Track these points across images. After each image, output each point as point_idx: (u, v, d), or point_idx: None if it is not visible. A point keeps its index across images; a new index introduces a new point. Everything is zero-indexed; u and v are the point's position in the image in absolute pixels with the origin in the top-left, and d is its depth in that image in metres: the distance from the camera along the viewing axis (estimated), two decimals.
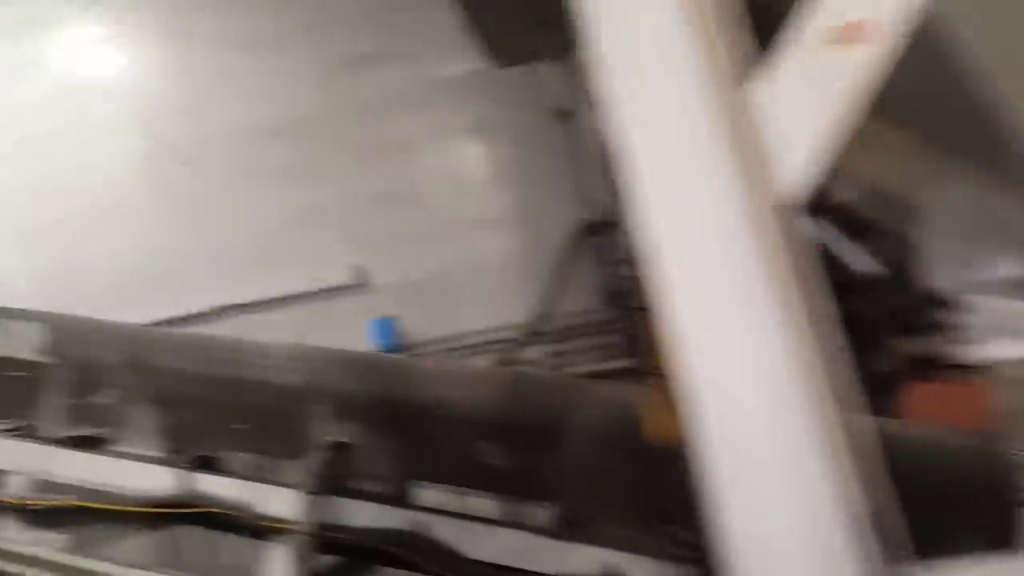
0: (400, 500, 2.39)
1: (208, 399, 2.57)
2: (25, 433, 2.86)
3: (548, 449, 2.25)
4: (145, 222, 5.32)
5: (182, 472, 2.50)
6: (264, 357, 2.67)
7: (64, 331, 2.78)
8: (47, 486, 2.58)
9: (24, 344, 2.77)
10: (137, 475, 2.54)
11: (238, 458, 2.56)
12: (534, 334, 4.57)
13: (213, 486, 2.48)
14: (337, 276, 5.14)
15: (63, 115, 5.46)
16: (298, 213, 5.19)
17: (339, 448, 2.41)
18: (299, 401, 2.46)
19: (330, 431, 2.42)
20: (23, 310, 2.88)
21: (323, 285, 5.10)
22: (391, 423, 2.43)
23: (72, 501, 2.50)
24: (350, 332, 4.93)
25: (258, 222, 5.23)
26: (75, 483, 2.56)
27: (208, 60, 5.31)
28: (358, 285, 5.15)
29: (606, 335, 4.63)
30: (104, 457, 2.57)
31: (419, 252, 5.08)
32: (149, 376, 2.57)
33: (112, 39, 5.49)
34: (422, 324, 5.04)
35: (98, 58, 5.51)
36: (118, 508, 2.40)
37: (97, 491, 2.53)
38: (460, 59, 5.07)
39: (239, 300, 5.18)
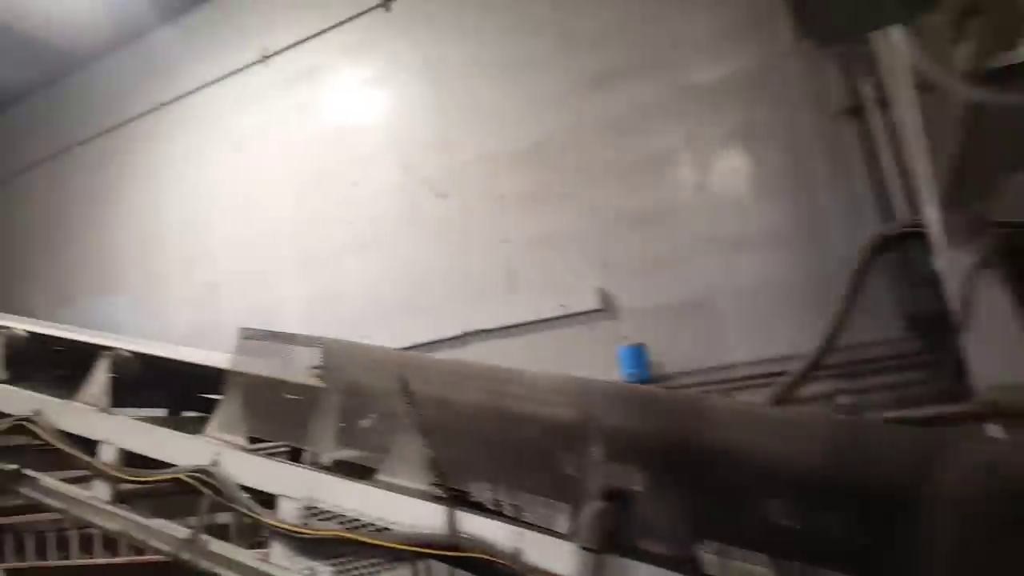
0: (690, 567, 1.98)
1: (475, 431, 2.37)
2: (296, 457, 2.95)
3: (898, 518, 1.71)
4: (399, 249, 5.54)
5: (446, 509, 2.31)
6: (533, 388, 2.42)
7: (336, 355, 2.77)
8: (314, 512, 2.54)
9: (301, 368, 2.81)
10: (402, 508, 2.41)
11: (505, 497, 2.32)
12: (814, 367, 3.88)
13: (479, 527, 2.27)
14: (583, 301, 4.90)
15: (332, 153, 5.91)
16: (544, 237, 5.07)
17: (617, 496, 2.06)
18: (572, 438, 2.16)
19: (607, 475, 2.08)
20: (301, 335, 2.94)
21: (569, 311, 4.88)
22: (681, 471, 2.04)
23: (339, 532, 2.41)
24: (597, 359, 4.65)
25: (504, 248, 5.19)
26: (341, 512, 2.48)
27: (459, 90, 5.44)
28: (605, 310, 4.86)
29: (907, 369, 3.81)
30: (371, 488, 2.47)
31: (672, 275, 4.66)
32: (417, 404, 2.44)
33: (376, 80, 5.86)
34: (674, 353, 4.58)
35: (363, 99, 5.92)
36: (387, 544, 2.26)
37: (361, 522, 2.43)
38: (717, 64, 4.63)
39: (485, 326, 5.15)
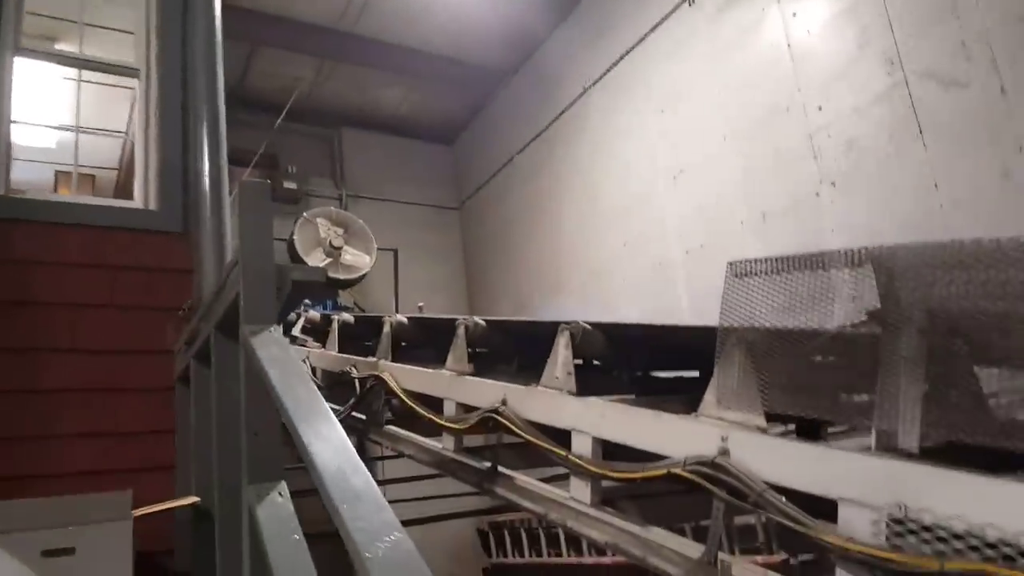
0: None
1: None
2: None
3: None
4: (893, 176, 4.07)
5: None
6: None
7: (905, 272, 1.65)
8: (909, 528, 1.44)
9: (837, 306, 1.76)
10: None
11: None
12: None
13: None
14: None
15: (780, 83, 4.80)
16: None
17: None
18: None
19: None
20: (826, 253, 1.91)
21: None
22: None
23: (985, 566, 1.28)
24: None
25: None
26: (970, 529, 1.35)
27: None
28: None
29: None
30: None
31: None
32: None
33: None
34: None
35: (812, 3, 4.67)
36: None
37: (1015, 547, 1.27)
38: None
39: None
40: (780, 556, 3.28)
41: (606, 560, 4.79)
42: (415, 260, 8.95)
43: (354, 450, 1.57)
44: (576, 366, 3.14)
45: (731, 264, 2.05)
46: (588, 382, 2.82)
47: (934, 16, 3.83)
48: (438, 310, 6.96)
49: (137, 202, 3.56)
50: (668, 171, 5.82)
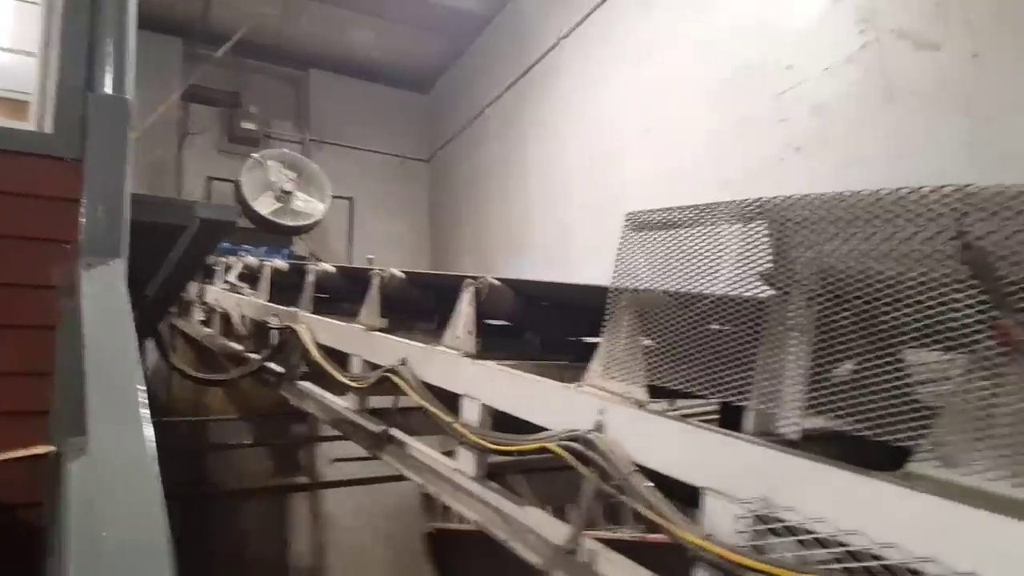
0: None
1: None
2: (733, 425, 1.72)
3: None
4: (864, 144, 3.80)
5: None
6: None
7: (795, 225, 1.41)
8: (770, 527, 1.24)
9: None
10: (993, 542, 0.97)
11: None
12: None
13: None
14: None
15: (754, 40, 4.50)
16: None
17: None
18: None
19: None
20: (721, 204, 1.66)
21: None
22: None
23: None
24: None
25: None
26: (835, 532, 1.15)
27: None
28: None
29: None
30: (912, 494, 1.08)
31: None
32: None
33: None
34: None
35: None
36: None
37: (878, 558, 1.07)
38: None
39: None
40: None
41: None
42: (378, 212, 8.62)
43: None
44: (495, 327, 2.92)
45: (629, 215, 1.81)
46: (497, 345, 2.60)
47: None
48: (396, 265, 6.71)
49: (31, 124, 3.25)
50: (635, 130, 5.52)
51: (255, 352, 4.06)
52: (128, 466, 1.16)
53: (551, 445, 1.69)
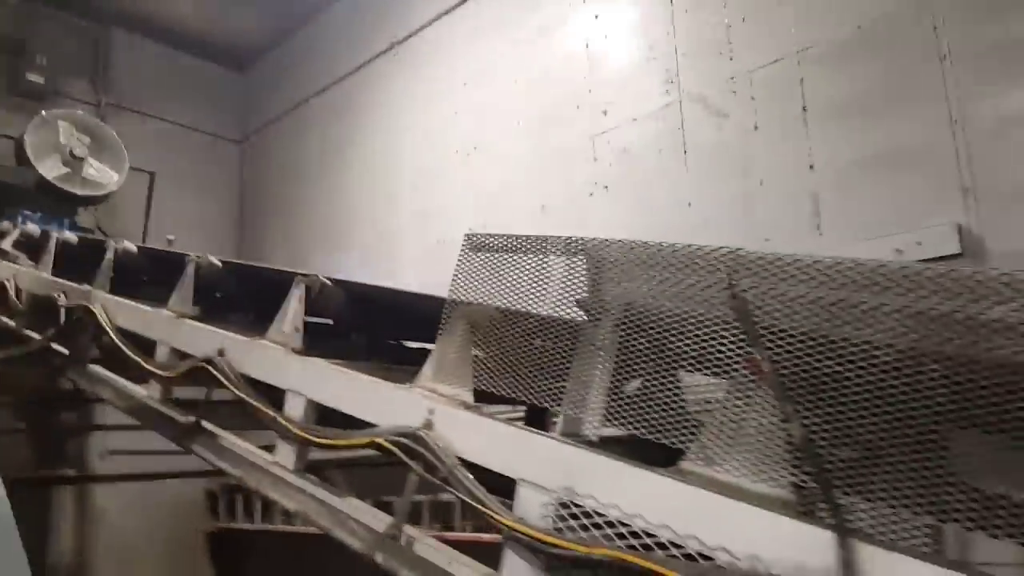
0: None
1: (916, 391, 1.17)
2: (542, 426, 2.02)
3: None
4: (657, 188, 4.38)
5: (835, 537, 1.15)
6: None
7: (611, 265, 1.70)
8: (571, 513, 1.49)
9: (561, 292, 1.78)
10: (737, 525, 1.29)
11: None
12: None
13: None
14: (932, 244, 3.38)
15: (576, 79, 4.96)
16: (869, 160, 3.62)
17: None
18: None
19: None
20: (552, 237, 1.92)
21: (915, 255, 3.38)
22: None
23: (626, 555, 1.33)
24: None
25: (809, 178, 3.81)
26: (620, 517, 1.41)
27: None
28: (966, 255, 3.31)
29: None
30: (680, 485, 1.38)
31: None
32: (772, 340, 1.30)
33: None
34: None
35: (614, 8, 4.84)
36: None
37: (657, 538, 1.35)
38: None
39: None
40: (475, 534, 3.35)
41: None
42: (183, 191, 8.02)
43: None
44: (318, 326, 2.96)
45: (468, 236, 2.00)
46: (322, 344, 2.66)
47: (712, 48, 4.16)
48: (199, 250, 6.35)
49: None
50: (462, 149, 5.79)
51: (31, 329, 3.69)
52: None
53: (380, 440, 1.82)
